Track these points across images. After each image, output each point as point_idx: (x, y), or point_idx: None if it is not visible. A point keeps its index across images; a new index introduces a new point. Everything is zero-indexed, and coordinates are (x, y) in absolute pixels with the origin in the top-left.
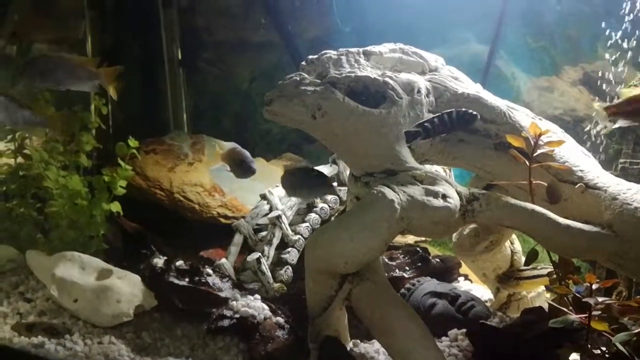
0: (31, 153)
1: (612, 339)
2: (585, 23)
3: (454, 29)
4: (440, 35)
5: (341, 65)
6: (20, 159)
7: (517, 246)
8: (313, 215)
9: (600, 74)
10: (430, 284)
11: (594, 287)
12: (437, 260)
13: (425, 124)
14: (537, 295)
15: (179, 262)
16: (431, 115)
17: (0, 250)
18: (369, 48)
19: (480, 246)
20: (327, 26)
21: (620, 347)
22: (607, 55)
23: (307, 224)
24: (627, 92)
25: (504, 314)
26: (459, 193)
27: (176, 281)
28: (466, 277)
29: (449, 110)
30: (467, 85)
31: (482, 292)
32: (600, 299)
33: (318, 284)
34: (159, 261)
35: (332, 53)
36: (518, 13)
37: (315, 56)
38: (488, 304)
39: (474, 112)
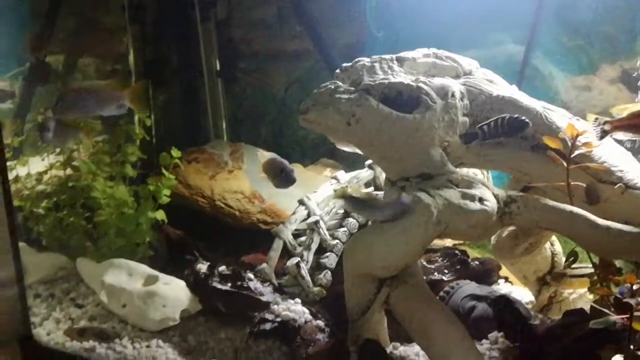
0: (79, 165)
1: None
2: (622, 19)
3: (488, 31)
4: (475, 38)
5: (375, 72)
6: (69, 171)
7: (558, 247)
8: (350, 220)
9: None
10: (470, 286)
11: (635, 287)
12: (476, 262)
13: (483, 126)
14: (579, 297)
15: (222, 268)
16: (467, 119)
17: (51, 258)
18: (402, 54)
19: (520, 248)
20: (360, 33)
21: None
22: None
23: (345, 229)
24: (619, 110)
25: (545, 315)
26: (496, 196)
27: (219, 286)
28: (506, 280)
29: (502, 115)
30: (501, 88)
31: (523, 294)
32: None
33: (357, 288)
34: (203, 267)
35: (365, 60)
36: (553, 12)
37: (349, 64)
38: (529, 306)
39: (526, 120)
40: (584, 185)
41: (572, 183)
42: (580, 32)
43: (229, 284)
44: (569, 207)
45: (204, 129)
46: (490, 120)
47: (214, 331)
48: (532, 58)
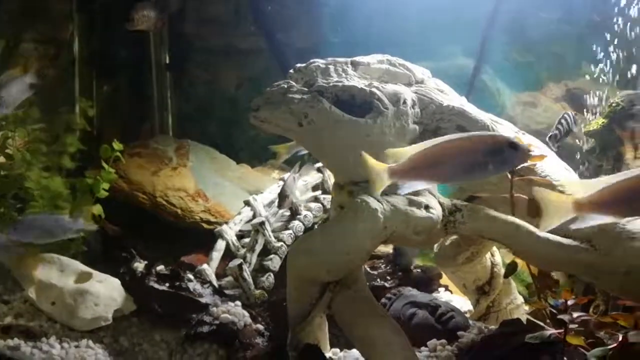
0: (13, 153)
1: (587, 354)
2: (570, 41)
3: (441, 43)
4: (428, 49)
5: (329, 74)
6: (1, 159)
7: (498, 258)
8: (296, 222)
9: (583, 91)
10: (411, 294)
11: (570, 302)
12: (419, 270)
13: (558, 126)
14: (516, 307)
15: (160, 267)
16: (416, 127)
17: None
18: (357, 58)
19: (461, 257)
20: (316, 37)
21: None
22: (590, 73)
23: (291, 232)
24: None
25: (483, 324)
26: (441, 204)
27: (156, 286)
28: (446, 288)
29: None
30: (452, 98)
31: (462, 302)
32: (576, 315)
33: (299, 292)
34: (140, 265)
35: (320, 62)
36: (504, 29)
37: (303, 65)
38: (467, 315)
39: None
40: (527, 197)
41: (515, 195)
42: (529, 50)
43: (167, 284)
44: (510, 218)
45: (149, 123)
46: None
47: (148, 333)
48: (481, 72)
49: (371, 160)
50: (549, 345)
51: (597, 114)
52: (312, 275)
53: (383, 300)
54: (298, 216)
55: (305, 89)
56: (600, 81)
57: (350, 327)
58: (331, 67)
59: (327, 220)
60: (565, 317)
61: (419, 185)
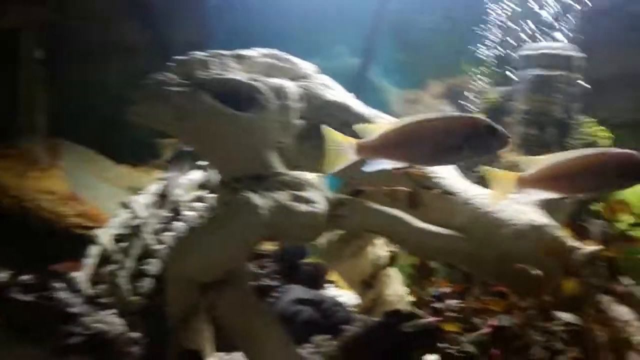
0: None
1: (462, 339)
2: (451, 41)
3: (329, 43)
4: (316, 48)
5: (209, 67)
6: None
7: (381, 251)
8: (178, 223)
9: (462, 88)
10: (297, 291)
11: (447, 291)
12: (307, 266)
13: None
14: (400, 298)
15: (25, 276)
16: (301, 122)
17: None
18: (240, 51)
19: (348, 252)
20: (202, 31)
21: (470, 347)
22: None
23: (172, 233)
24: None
25: (368, 317)
26: (326, 198)
27: (20, 297)
28: (334, 283)
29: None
30: (337, 93)
31: (350, 297)
32: (451, 302)
33: (180, 294)
34: (2, 275)
35: (200, 54)
36: (390, 30)
37: (184, 57)
38: (355, 309)
39: None
40: (407, 190)
41: (396, 188)
42: (413, 50)
43: (33, 295)
44: (391, 211)
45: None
46: None
47: (12, 347)
48: (368, 71)
49: (336, 134)
50: (427, 333)
51: (476, 109)
52: (192, 276)
53: (270, 299)
54: (180, 216)
55: (186, 82)
56: (479, 78)
57: (234, 328)
58: (213, 60)
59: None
60: (440, 305)
61: (388, 164)
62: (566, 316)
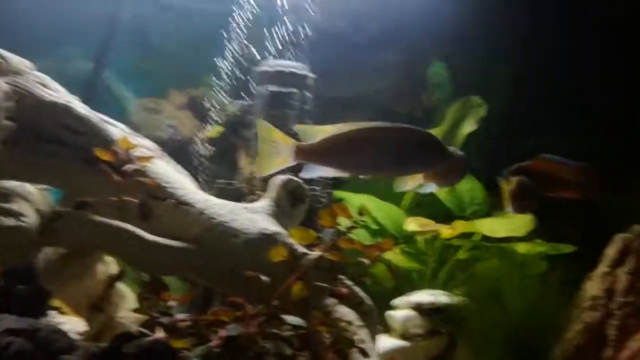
0: None
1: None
2: (193, 51)
3: (59, 43)
4: (44, 48)
5: None
6: None
7: (113, 269)
8: None
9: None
10: (7, 321)
11: (172, 304)
12: (25, 291)
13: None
14: (135, 320)
15: None
16: (10, 123)
17: None
18: None
19: (70, 272)
20: None
21: None
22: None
23: None
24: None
25: (93, 344)
26: (39, 211)
27: None
28: (57, 309)
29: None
30: (58, 95)
31: (76, 323)
32: (181, 317)
33: None
34: None
35: None
36: (129, 33)
37: None
38: (81, 337)
39: None
40: (137, 201)
41: (125, 198)
42: (154, 58)
43: None
44: (116, 223)
45: None
46: None
47: None
48: (104, 76)
49: (275, 132)
50: (152, 352)
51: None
52: None
53: None
54: None
55: None
56: (220, 91)
57: None
58: None
59: None
60: (164, 320)
61: (325, 172)
62: (294, 320)
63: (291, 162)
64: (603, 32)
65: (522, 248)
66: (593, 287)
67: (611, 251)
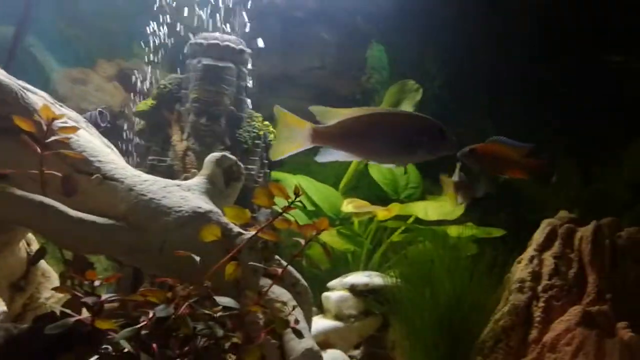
0: None
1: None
2: (122, 19)
3: None
4: None
5: None
6: None
7: (35, 247)
8: None
9: (136, 71)
10: None
11: (96, 283)
12: None
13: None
14: (58, 300)
15: None
16: None
17: None
18: None
19: None
20: None
21: (126, 345)
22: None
23: None
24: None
25: (13, 324)
26: None
27: None
28: None
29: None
30: None
31: None
32: (105, 297)
33: None
34: None
35: None
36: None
37: None
38: (2, 317)
39: None
40: (60, 175)
41: (47, 172)
42: (80, 25)
43: None
44: (38, 198)
45: None
46: None
47: None
48: (26, 42)
49: (291, 117)
50: (77, 334)
51: (147, 95)
52: None
53: None
54: None
55: None
56: (152, 63)
57: None
58: None
59: None
60: (88, 300)
61: (339, 156)
62: (226, 301)
63: (307, 145)
64: (532, 16)
65: (454, 231)
66: (521, 270)
67: (538, 235)
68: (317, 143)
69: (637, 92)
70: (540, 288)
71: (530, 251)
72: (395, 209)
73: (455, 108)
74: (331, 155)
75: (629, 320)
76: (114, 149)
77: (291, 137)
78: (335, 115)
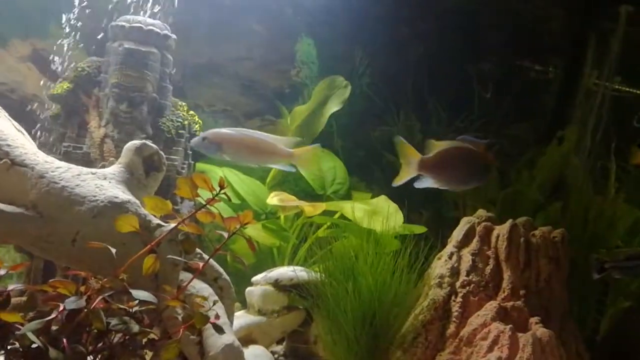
0: None
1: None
2: None
3: None
4: None
5: None
6: None
7: None
8: None
9: (51, 53)
10: None
11: (0, 272)
12: None
13: None
14: None
15: None
16: None
17: None
18: None
19: None
20: None
21: (33, 338)
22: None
23: None
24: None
25: None
26: None
27: None
28: None
29: None
30: None
31: None
32: (12, 287)
33: None
34: None
35: None
36: None
37: None
38: None
39: None
40: None
41: None
42: None
43: None
44: None
45: None
46: None
47: None
48: None
49: (408, 147)
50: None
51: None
52: None
53: None
54: None
55: None
56: (68, 44)
57: None
58: None
59: None
60: None
61: (432, 183)
62: (143, 295)
63: (414, 173)
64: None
65: (378, 227)
66: (440, 266)
67: (457, 233)
68: (421, 171)
69: (554, 101)
70: (458, 284)
71: (449, 248)
72: (321, 205)
73: (382, 106)
74: (426, 182)
75: (540, 315)
76: (25, 133)
77: (406, 164)
78: (434, 147)
